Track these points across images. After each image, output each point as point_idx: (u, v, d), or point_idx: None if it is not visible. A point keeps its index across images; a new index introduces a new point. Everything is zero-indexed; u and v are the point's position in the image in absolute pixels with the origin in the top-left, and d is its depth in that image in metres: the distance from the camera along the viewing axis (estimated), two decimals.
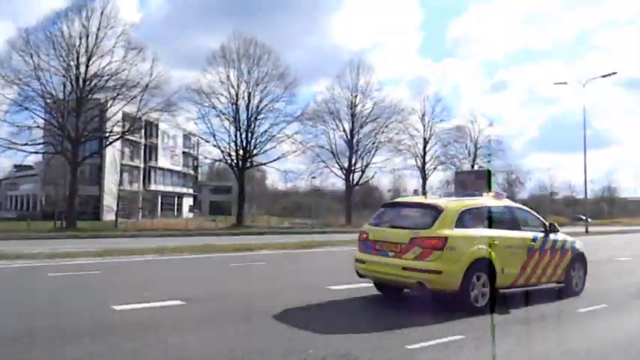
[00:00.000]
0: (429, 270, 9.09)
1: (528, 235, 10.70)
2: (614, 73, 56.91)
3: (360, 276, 10.49)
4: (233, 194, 78.87)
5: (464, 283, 9.14)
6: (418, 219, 9.72)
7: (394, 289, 10.53)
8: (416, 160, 69.53)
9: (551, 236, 11.22)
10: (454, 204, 9.90)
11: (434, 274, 9.06)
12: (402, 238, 9.51)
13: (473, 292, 9.27)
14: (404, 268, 9.33)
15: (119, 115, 51.78)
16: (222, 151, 58.50)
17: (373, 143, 65.58)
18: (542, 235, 11.02)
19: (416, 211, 10.04)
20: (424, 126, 69.36)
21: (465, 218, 9.63)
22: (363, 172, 66.11)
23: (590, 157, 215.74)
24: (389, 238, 9.75)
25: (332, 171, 65.48)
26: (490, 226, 9.83)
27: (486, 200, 10.51)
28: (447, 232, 9.32)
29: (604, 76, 55.77)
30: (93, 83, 48.00)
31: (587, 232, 45.55)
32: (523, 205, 11.85)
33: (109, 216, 62.68)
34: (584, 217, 55.99)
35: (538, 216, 11.40)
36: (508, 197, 11.79)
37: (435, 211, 9.63)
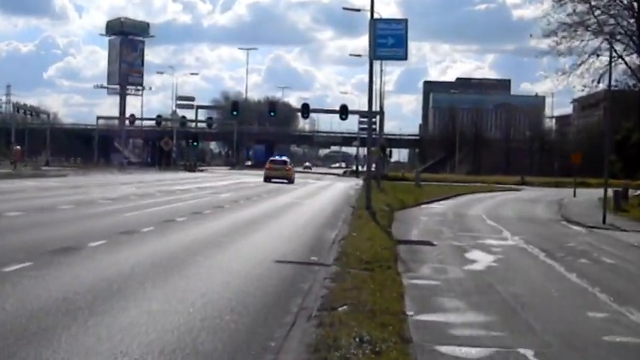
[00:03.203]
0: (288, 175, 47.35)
1: None
2: None
3: (266, 178, 44.49)
4: None
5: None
6: (283, 162, 49.92)
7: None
8: None
9: None
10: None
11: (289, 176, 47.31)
12: (282, 166, 48.13)
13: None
14: (284, 174, 46.66)
15: None
16: None
17: None
18: None
19: (281, 159, 52.00)
20: None
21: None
22: None
23: None
24: (278, 167, 47.73)
25: None
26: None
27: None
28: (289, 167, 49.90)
29: None
30: None
31: None
32: None
33: None
34: None
35: None
36: None
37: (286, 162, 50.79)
